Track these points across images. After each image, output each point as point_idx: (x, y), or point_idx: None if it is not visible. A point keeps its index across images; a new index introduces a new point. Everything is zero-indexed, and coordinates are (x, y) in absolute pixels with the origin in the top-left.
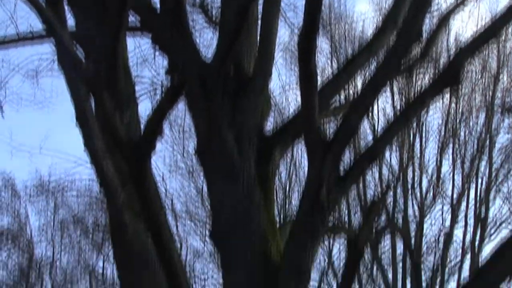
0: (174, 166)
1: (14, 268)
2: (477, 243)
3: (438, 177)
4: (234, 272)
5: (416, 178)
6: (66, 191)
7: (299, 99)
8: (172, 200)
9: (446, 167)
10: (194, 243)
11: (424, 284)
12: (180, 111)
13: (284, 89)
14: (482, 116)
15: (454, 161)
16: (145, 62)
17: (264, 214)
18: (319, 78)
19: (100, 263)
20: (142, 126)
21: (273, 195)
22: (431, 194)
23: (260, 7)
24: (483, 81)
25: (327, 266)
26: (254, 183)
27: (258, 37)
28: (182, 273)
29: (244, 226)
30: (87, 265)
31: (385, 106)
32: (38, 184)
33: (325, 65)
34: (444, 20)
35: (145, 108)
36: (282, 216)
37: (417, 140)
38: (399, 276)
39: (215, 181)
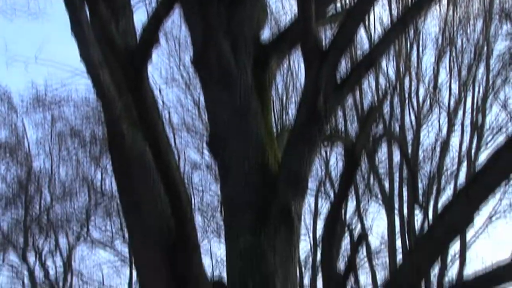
0: (170, 79)
1: (13, 181)
2: (473, 151)
3: (435, 86)
4: (232, 181)
5: (413, 87)
6: (62, 104)
7: (295, 7)
8: (169, 113)
9: (443, 75)
10: (191, 155)
11: (420, 192)
12: (176, 23)
13: None
14: (480, 23)
15: (451, 69)
16: None
17: (261, 123)
18: None
19: (99, 176)
20: (138, 35)
21: (270, 104)
22: (428, 103)
23: None
24: None
25: (325, 176)
26: (251, 92)
27: None
28: (181, 182)
29: (242, 135)
30: (86, 178)
31: (381, 15)
32: (34, 97)
33: None
34: None
35: (139, 18)
36: (279, 127)
37: (414, 49)
38: (396, 185)
39: (212, 91)
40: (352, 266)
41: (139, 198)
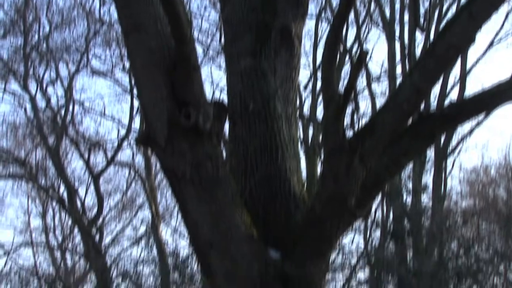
0: None
1: (10, 8)
2: None
3: None
4: (232, 2)
5: None
6: None
7: None
8: None
9: None
10: None
11: (422, 17)
12: None
13: None
14: None
15: None
16: None
17: None
18: None
19: (97, 4)
20: None
21: None
22: None
23: None
24: None
25: (325, 3)
26: None
27: None
28: (180, 2)
29: None
30: (84, 6)
31: None
32: None
33: None
34: None
35: None
36: None
37: None
38: (397, 9)
39: None
40: (352, 86)
41: (138, 19)
